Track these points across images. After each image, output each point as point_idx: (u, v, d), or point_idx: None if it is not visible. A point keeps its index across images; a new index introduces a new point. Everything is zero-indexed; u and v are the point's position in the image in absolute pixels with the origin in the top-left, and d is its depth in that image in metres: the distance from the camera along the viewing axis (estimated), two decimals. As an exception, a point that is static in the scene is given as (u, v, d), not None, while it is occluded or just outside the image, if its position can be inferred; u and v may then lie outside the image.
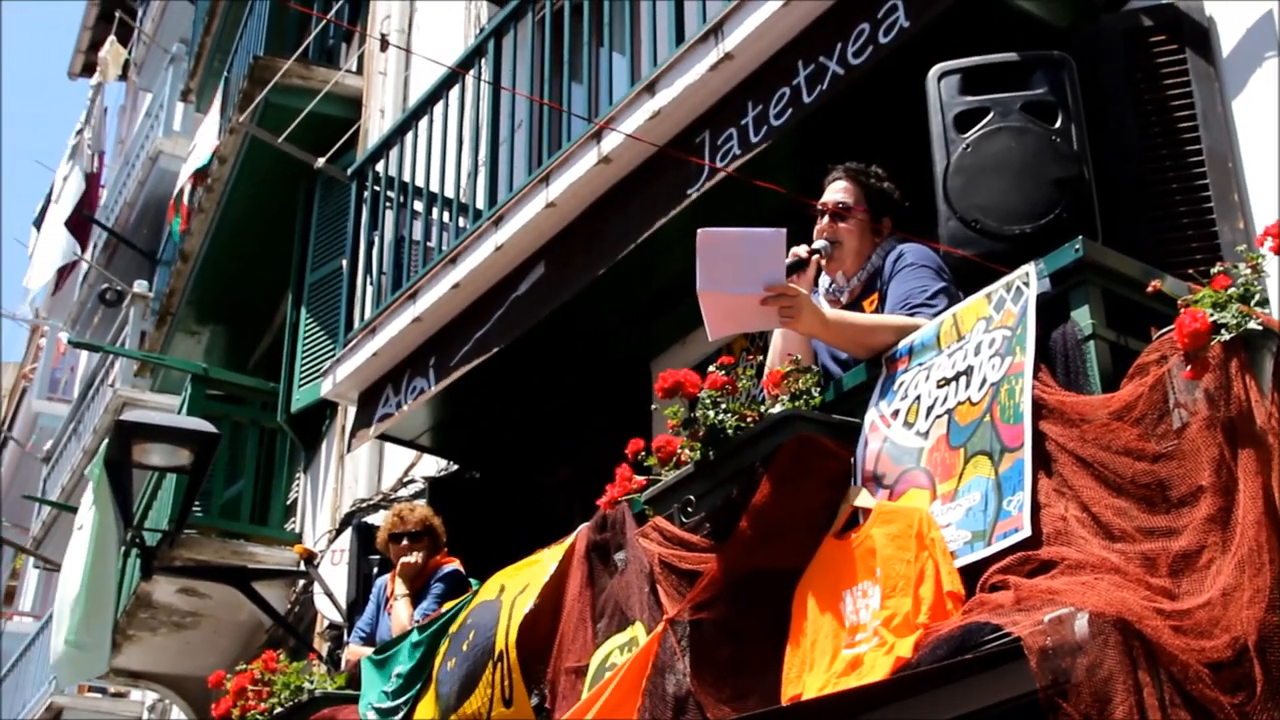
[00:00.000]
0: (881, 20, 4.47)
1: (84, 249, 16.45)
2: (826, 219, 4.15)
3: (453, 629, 4.92)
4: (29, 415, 21.45)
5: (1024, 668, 2.78)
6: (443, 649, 4.92)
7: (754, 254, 3.68)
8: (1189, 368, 2.96)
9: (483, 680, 4.61)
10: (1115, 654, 2.66)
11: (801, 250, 4.07)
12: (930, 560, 3.27)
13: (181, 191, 12.86)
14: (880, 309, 3.99)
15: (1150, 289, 3.23)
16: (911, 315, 3.81)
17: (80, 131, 17.34)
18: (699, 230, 3.69)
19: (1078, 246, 3.32)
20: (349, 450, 7.78)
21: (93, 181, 16.69)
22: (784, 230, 3.69)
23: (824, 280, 4.21)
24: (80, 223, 16.24)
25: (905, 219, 4.17)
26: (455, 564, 5.95)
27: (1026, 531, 3.09)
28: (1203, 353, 2.93)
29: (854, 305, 4.12)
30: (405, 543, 5.95)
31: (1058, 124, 3.74)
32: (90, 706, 13.93)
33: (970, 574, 3.20)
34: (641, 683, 3.83)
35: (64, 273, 16.87)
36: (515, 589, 4.66)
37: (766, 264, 3.68)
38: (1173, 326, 3.02)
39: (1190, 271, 3.21)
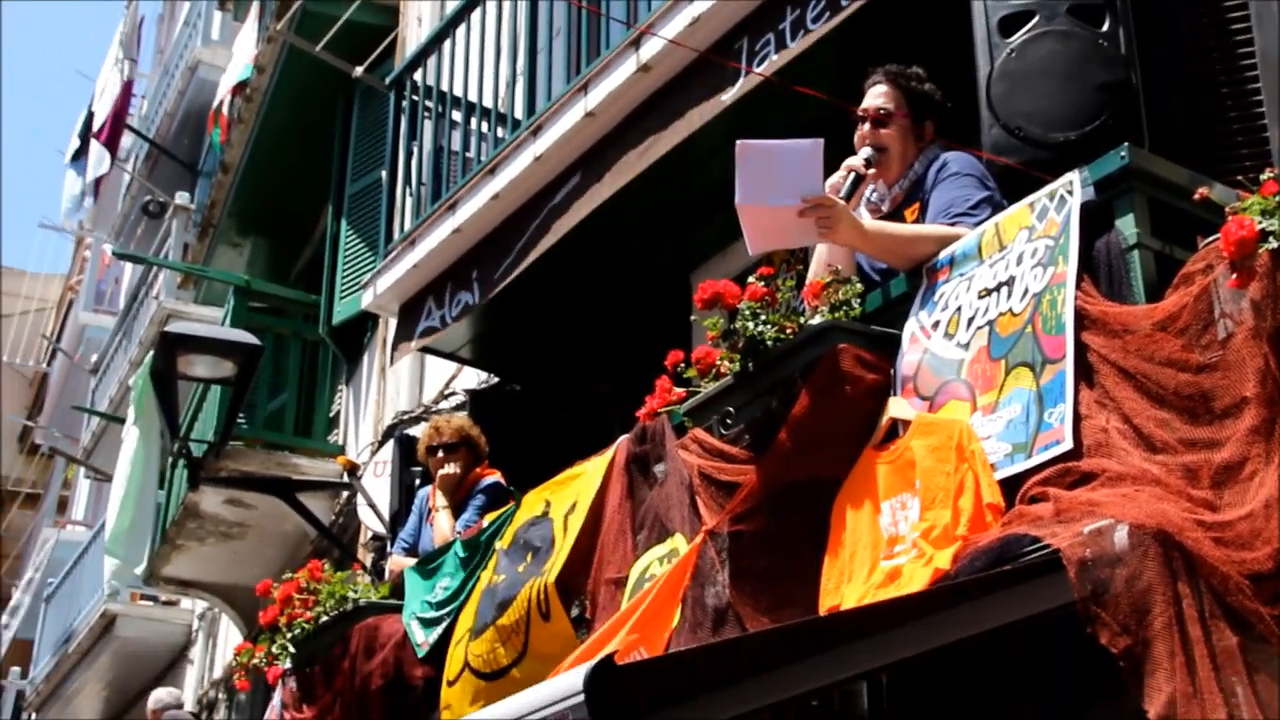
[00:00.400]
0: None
1: (113, 156, 16.45)
2: (868, 125, 4.08)
3: (501, 544, 4.96)
4: (76, 327, 21.66)
5: (1063, 579, 2.77)
6: (491, 564, 4.95)
7: (792, 165, 3.65)
8: (1235, 276, 2.90)
9: (520, 595, 4.64)
10: (1155, 565, 2.65)
11: (857, 163, 3.99)
12: (970, 472, 3.26)
13: (221, 103, 12.85)
14: (922, 218, 3.94)
15: (1197, 196, 3.16)
16: (953, 224, 3.76)
17: (119, 40, 17.33)
18: (738, 142, 3.65)
19: (1123, 153, 3.25)
20: (391, 363, 7.81)
21: (124, 90, 16.68)
22: (821, 140, 3.65)
23: (866, 187, 4.16)
24: (112, 131, 16.25)
25: (948, 126, 4.10)
26: (497, 475, 5.98)
27: (1068, 444, 3.07)
28: (1249, 261, 2.87)
29: (895, 214, 4.06)
30: (442, 454, 5.98)
31: (1105, 27, 3.66)
32: (142, 614, 14.16)
33: (1010, 486, 3.19)
34: (679, 592, 3.85)
35: (99, 183, 16.91)
36: (563, 505, 4.68)
37: (804, 175, 3.65)
38: (1219, 235, 2.96)
39: (1239, 178, 3.13)
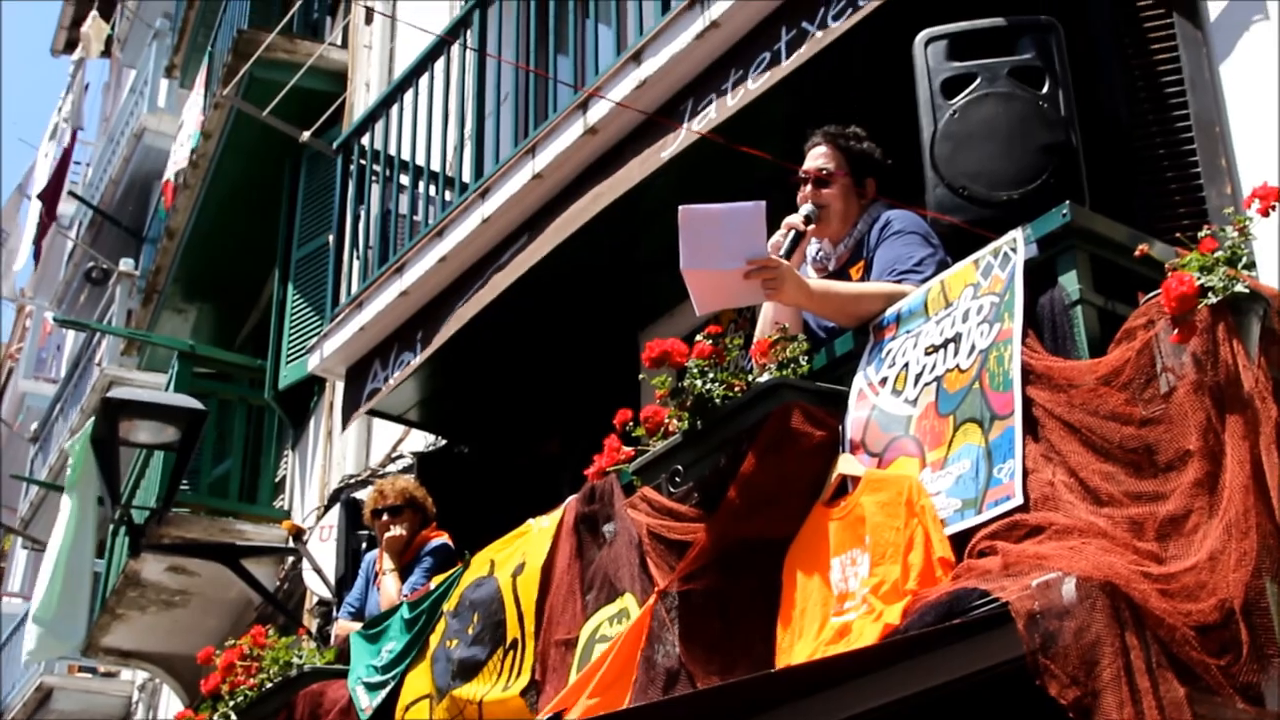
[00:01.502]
0: (863, -17, 4.45)
1: (51, 218, 16.34)
2: (809, 186, 4.13)
3: (448, 606, 4.91)
4: (15, 395, 21.39)
5: (1012, 633, 2.78)
6: (440, 627, 4.90)
7: (735, 228, 3.69)
8: (1176, 331, 2.95)
9: (489, 665, 4.58)
10: (1103, 617, 2.67)
11: (797, 220, 4.04)
12: (920, 527, 3.27)
13: (175, 175, 12.79)
14: (866, 276, 3.98)
15: (1137, 253, 3.22)
16: (899, 282, 3.80)
17: (60, 109, 17.27)
18: (680, 207, 3.69)
19: (1065, 212, 3.31)
20: (343, 429, 7.76)
21: (65, 154, 16.60)
22: (763, 203, 3.69)
23: (811, 247, 4.20)
24: (51, 193, 16.15)
25: (892, 185, 4.15)
26: (444, 537, 5.94)
27: (1018, 499, 3.09)
28: (1190, 316, 2.92)
29: (840, 272, 4.10)
30: (387, 517, 5.94)
31: (1045, 89, 3.72)
32: (80, 686, 13.93)
33: (960, 541, 3.20)
34: (637, 655, 3.83)
35: (40, 243, 16.77)
36: (509, 565, 4.64)
37: (747, 238, 3.69)
38: (1160, 291, 3.01)
39: (1178, 236, 3.19)
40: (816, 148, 4.18)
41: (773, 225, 3.82)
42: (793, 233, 3.99)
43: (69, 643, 8.81)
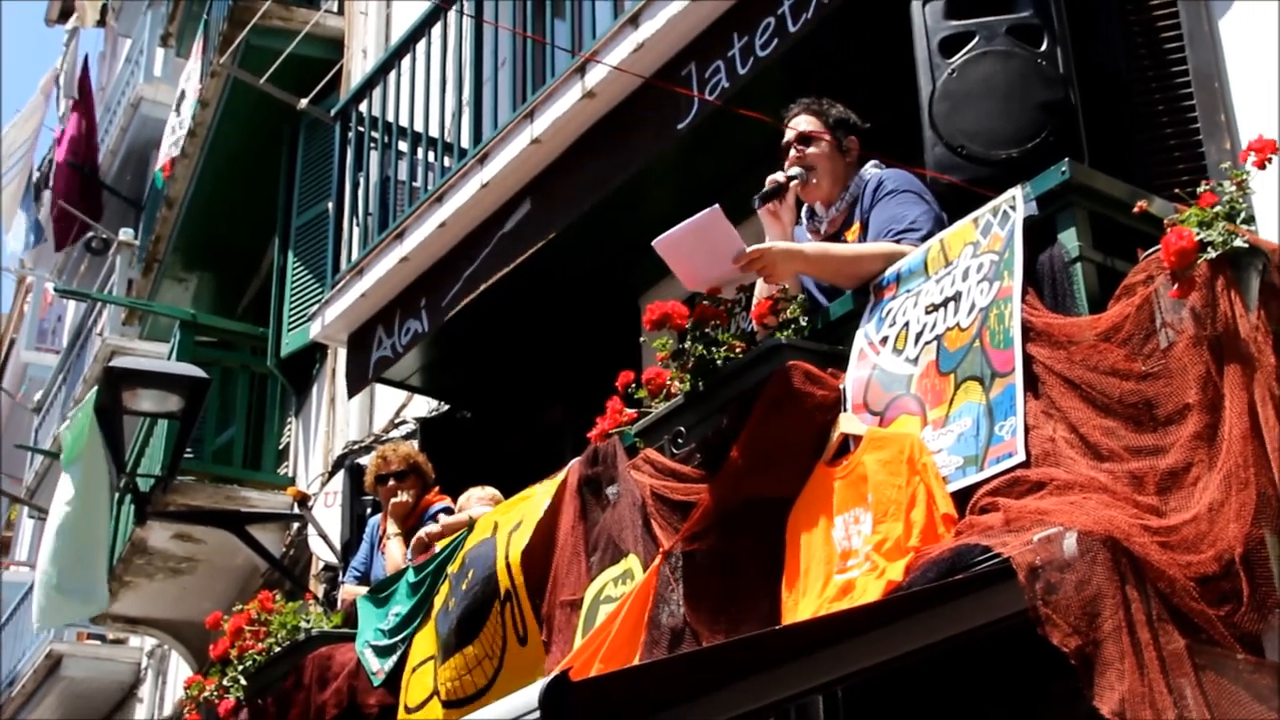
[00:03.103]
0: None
1: (78, 198, 16.27)
2: (794, 149, 4.18)
3: (451, 569, 4.94)
4: (18, 366, 21.40)
5: (1014, 587, 2.81)
6: (443, 589, 4.94)
7: (706, 237, 3.85)
8: (1175, 286, 2.97)
9: (490, 620, 4.62)
10: (1103, 570, 2.69)
11: (780, 176, 4.10)
12: (922, 485, 3.29)
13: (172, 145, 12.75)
14: (863, 238, 4.00)
15: (1136, 209, 3.23)
16: (897, 241, 3.81)
17: (56, 79, 17.19)
18: (654, 242, 3.88)
19: (1064, 169, 3.31)
20: (349, 398, 7.78)
21: (90, 132, 16.51)
22: (716, 206, 3.82)
23: (805, 210, 4.23)
24: (61, 175, 16.09)
25: (891, 145, 4.16)
26: (446, 501, 5.96)
27: (1020, 456, 3.11)
28: (1189, 271, 2.94)
29: (835, 236, 4.12)
30: (392, 483, 5.97)
31: (1043, 47, 3.73)
32: (90, 653, 13.99)
33: (961, 499, 3.22)
34: (644, 616, 3.86)
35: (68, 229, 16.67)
36: (509, 525, 4.68)
37: (721, 239, 3.85)
38: (1159, 246, 3.02)
39: (1177, 192, 3.20)
40: (796, 116, 4.25)
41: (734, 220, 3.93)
42: (774, 185, 4.09)
43: (92, 608, 8.85)
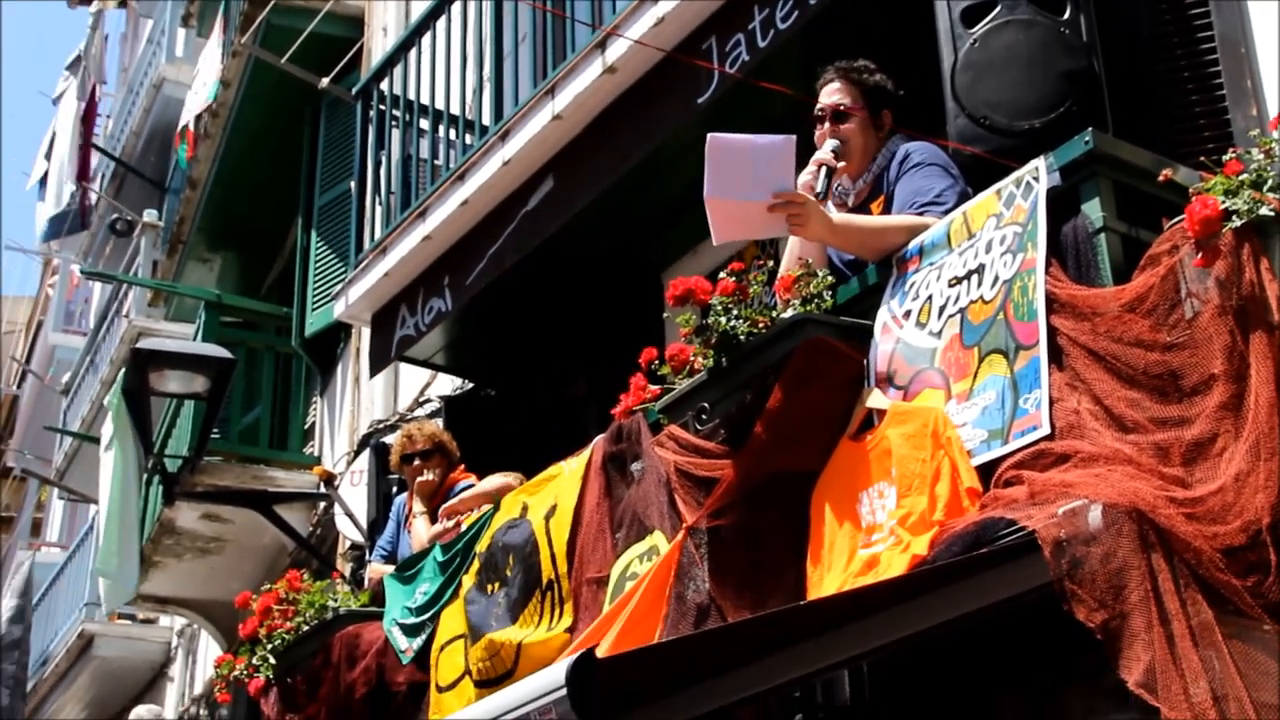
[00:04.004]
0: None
1: (85, 178, 16.34)
2: (827, 123, 4.12)
3: (479, 547, 4.95)
4: (45, 348, 21.53)
5: (1039, 561, 2.79)
6: (473, 567, 4.95)
7: (763, 161, 3.68)
8: (1200, 255, 2.93)
9: (529, 607, 4.63)
10: (1129, 543, 2.68)
11: (827, 156, 4.01)
12: (946, 458, 3.28)
13: (189, 122, 12.79)
14: (887, 210, 3.97)
15: (1161, 178, 3.20)
16: (921, 214, 3.78)
17: (79, 60, 17.21)
18: (709, 136, 3.67)
19: (1087, 139, 3.28)
20: (371, 376, 7.81)
21: (89, 112, 16.57)
22: (794, 137, 3.68)
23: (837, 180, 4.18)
24: (81, 158, 16.16)
25: (913, 116, 4.13)
26: (471, 479, 5.98)
27: (1045, 429, 3.09)
28: (1214, 240, 2.90)
29: (861, 207, 4.09)
30: (418, 462, 5.98)
31: (1066, 15, 3.69)
32: (121, 633, 14.10)
33: (987, 472, 3.21)
34: (665, 590, 3.86)
35: (85, 212, 16.74)
36: (542, 507, 4.68)
37: (775, 172, 3.68)
38: (1184, 216, 2.99)
39: (1203, 160, 3.16)
40: (830, 84, 4.16)
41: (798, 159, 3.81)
42: (824, 169, 3.97)
43: (127, 591, 8.93)
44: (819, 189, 3.91)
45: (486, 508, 5.13)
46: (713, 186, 3.67)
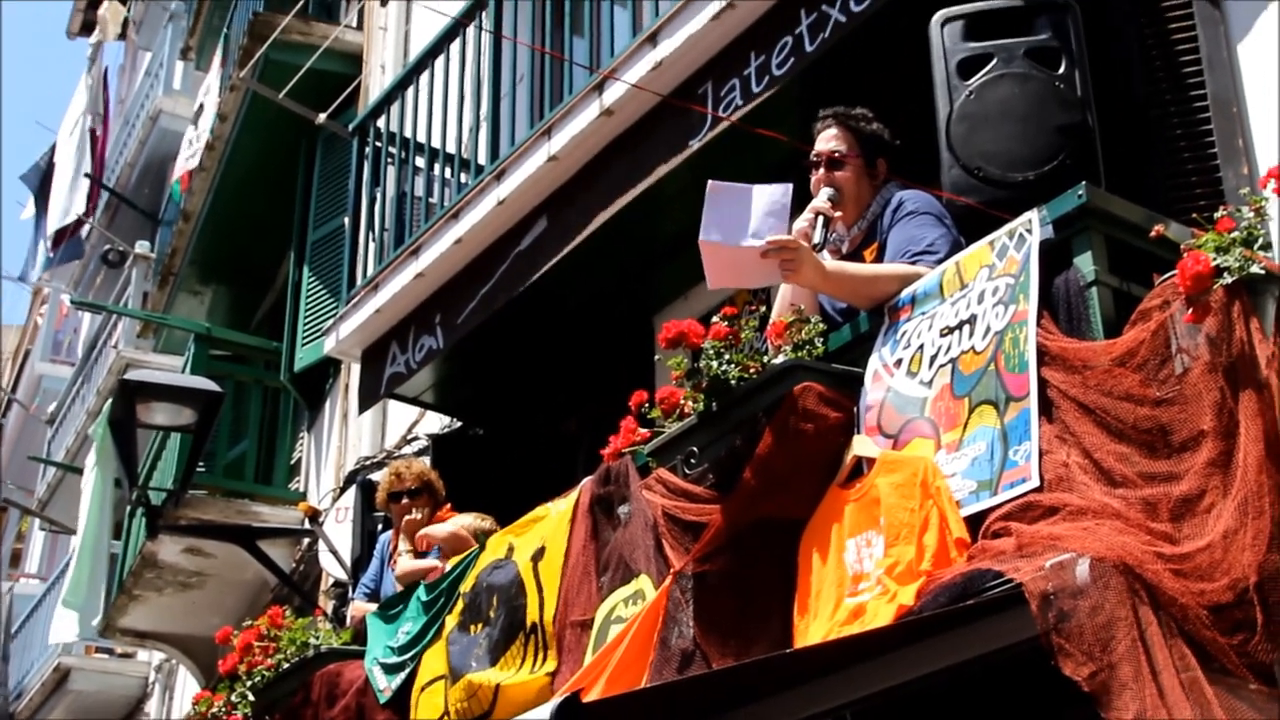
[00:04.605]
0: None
1: (90, 211, 16.37)
2: (822, 169, 4.13)
3: (464, 587, 4.93)
4: (32, 377, 21.45)
5: (1026, 613, 2.79)
6: (457, 608, 4.92)
7: (760, 208, 3.71)
8: (1191, 311, 2.95)
9: (512, 648, 4.60)
10: (1116, 597, 2.68)
11: (823, 205, 4.02)
12: (935, 508, 3.28)
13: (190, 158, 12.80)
14: (880, 257, 3.98)
15: (1153, 234, 3.22)
16: (913, 263, 3.80)
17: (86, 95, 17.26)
18: (709, 182, 3.71)
19: (1080, 193, 3.31)
20: (360, 414, 7.79)
21: (98, 143, 16.60)
22: (790, 185, 3.72)
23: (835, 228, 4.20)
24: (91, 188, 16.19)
25: (908, 166, 4.15)
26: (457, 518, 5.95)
27: (1034, 481, 3.09)
28: (1205, 296, 2.92)
29: (854, 254, 4.10)
30: (405, 500, 5.95)
31: (1061, 70, 3.72)
32: (98, 667, 13.98)
33: (976, 523, 3.21)
34: (653, 636, 3.84)
35: (62, 234, 16.76)
36: (528, 549, 4.66)
37: (771, 219, 3.71)
38: (1175, 271, 3.01)
39: (1195, 217, 3.18)
40: (827, 130, 4.18)
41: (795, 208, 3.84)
42: (822, 218, 3.98)
43: (90, 623, 8.86)
44: (816, 239, 3.92)
45: (472, 549, 5.11)
46: (708, 230, 3.71)
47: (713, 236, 3.71)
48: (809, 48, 4.67)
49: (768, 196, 3.70)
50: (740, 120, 4.83)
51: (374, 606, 5.67)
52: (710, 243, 3.73)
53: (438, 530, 5.61)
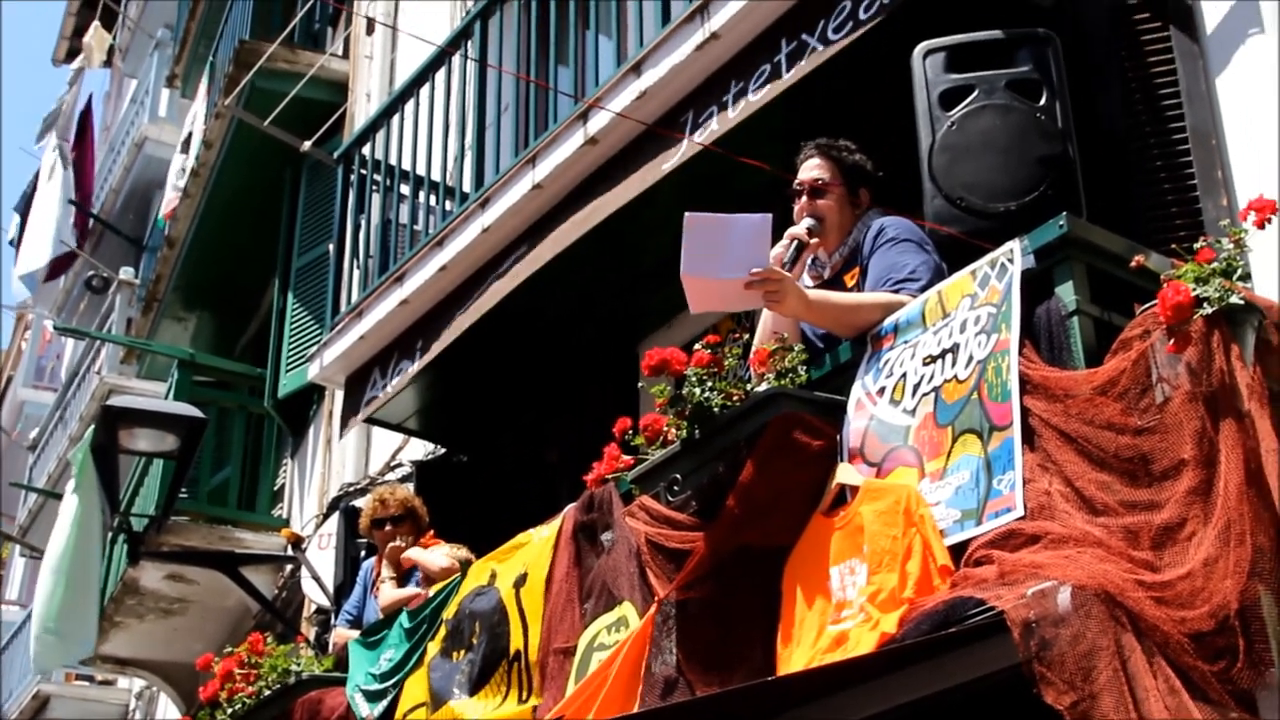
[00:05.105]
0: (864, -4, 4.47)
1: (81, 242, 16.34)
2: (805, 198, 4.16)
3: (446, 614, 4.92)
4: (14, 403, 21.38)
5: (1008, 641, 2.80)
6: (439, 634, 4.91)
7: (739, 239, 3.71)
8: (1171, 341, 2.97)
9: (495, 677, 4.58)
10: (1097, 625, 2.68)
11: (800, 232, 4.06)
12: (918, 536, 3.28)
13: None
14: (861, 284, 4.00)
15: (1134, 264, 3.24)
16: (895, 291, 3.82)
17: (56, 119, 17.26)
18: (686, 214, 3.71)
19: (1062, 223, 3.33)
20: (340, 436, 7.78)
21: (85, 171, 16.57)
22: (769, 216, 3.72)
23: (809, 255, 4.22)
24: (77, 215, 16.16)
25: (890, 196, 4.18)
26: (438, 544, 5.95)
27: (1019, 511, 3.10)
28: (1185, 326, 2.94)
29: (835, 280, 4.13)
30: (389, 527, 5.94)
31: (1042, 101, 3.75)
32: (77, 694, 13.92)
33: (960, 552, 3.21)
34: (641, 665, 3.84)
35: (59, 265, 16.70)
36: (510, 575, 4.65)
37: (751, 249, 3.71)
38: (1156, 301, 3.03)
39: (1174, 247, 3.21)
40: (810, 159, 4.22)
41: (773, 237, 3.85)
42: (795, 243, 4.02)
43: (79, 651, 8.78)
44: (786, 260, 3.96)
45: (455, 575, 5.10)
46: (689, 264, 3.71)
47: (694, 270, 3.71)
48: (785, 74, 4.70)
49: (746, 226, 3.71)
50: (722, 147, 4.85)
51: (356, 633, 5.66)
52: (692, 276, 3.74)
53: (432, 563, 5.59)
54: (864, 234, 4.07)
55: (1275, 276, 3.48)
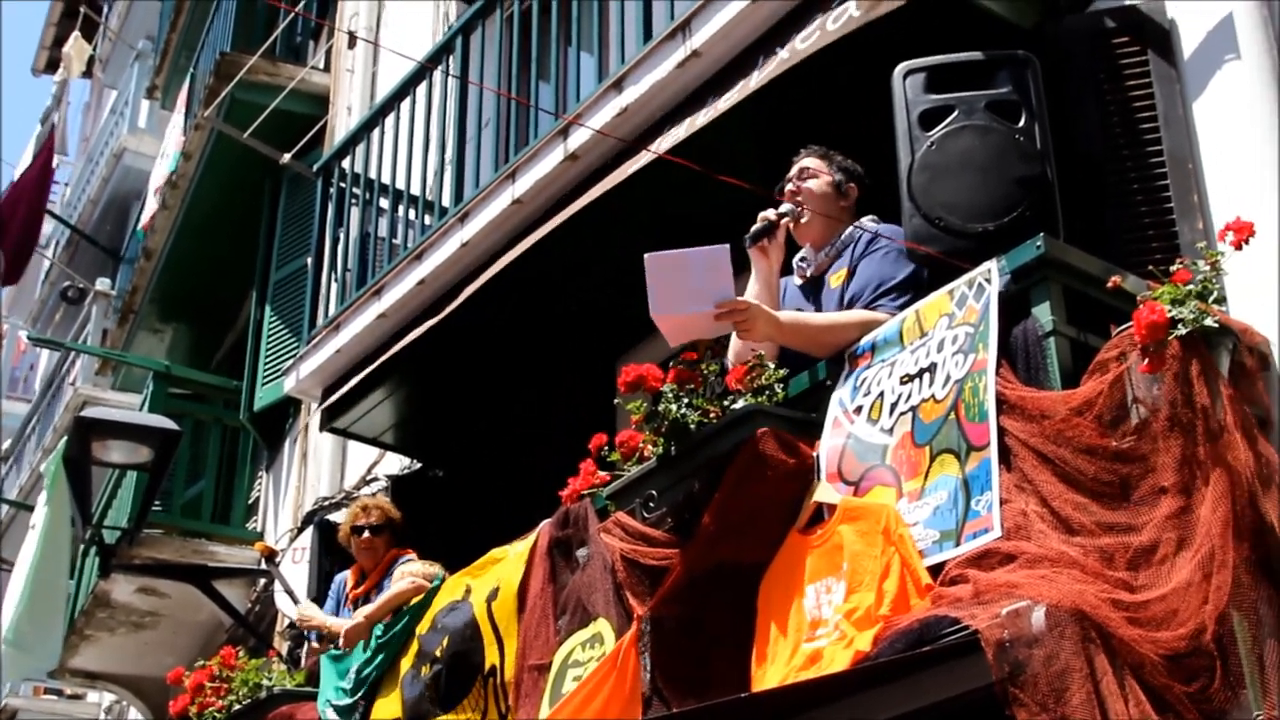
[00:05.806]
0: (832, 9, 4.48)
1: (35, 238, 16.19)
2: (792, 183, 4.22)
3: (420, 629, 4.90)
4: (-12, 414, 21.23)
5: (982, 660, 2.80)
6: (412, 650, 4.89)
7: (700, 272, 3.77)
8: (1147, 361, 2.98)
9: (471, 694, 4.56)
10: (1071, 645, 2.69)
11: (770, 214, 4.11)
12: (896, 555, 3.28)
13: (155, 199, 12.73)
14: (848, 284, 4.02)
15: (1110, 285, 3.25)
16: (873, 308, 3.83)
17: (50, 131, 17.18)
18: (646, 255, 3.75)
19: (1039, 244, 3.34)
20: (321, 429, 7.72)
21: (44, 177, 16.47)
22: (726, 246, 3.77)
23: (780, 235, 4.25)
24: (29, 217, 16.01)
25: (870, 214, 4.20)
26: (412, 554, 5.92)
27: (997, 532, 3.11)
28: (1160, 346, 2.96)
29: (820, 278, 4.15)
30: (367, 535, 5.92)
31: (1021, 123, 3.77)
32: (45, 708, 13.81)
33: (938, 573, 3.21)
34: (625, 684, 3.82)
35: (16, 265, 16.57)
36: (484, 590, 4.63)
37: (714, 280, 3.76)
38: (1132, 322, 3.04)
39: (1151, 269, 3.23)
40: (802, 159, 4.31)
41: (738, 267, 3.88)
42: (763, 223, 4.06)
43: (44, 664, 8.71)
44: (750, 235, 4.09)
45: (428, 589, 5.08)
46: (657, 303, 3.77)
47: (662, 309, 3.77)
48: (754, 84, 4.71)
49: (706, 259, 3.75)
50: (701, 164, 4.84)
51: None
52: (661, 315, 3.79)
53: (397, 595, 5.48)
54: (858, 237, 4.10)
55: (1249, 301, 3.50)
